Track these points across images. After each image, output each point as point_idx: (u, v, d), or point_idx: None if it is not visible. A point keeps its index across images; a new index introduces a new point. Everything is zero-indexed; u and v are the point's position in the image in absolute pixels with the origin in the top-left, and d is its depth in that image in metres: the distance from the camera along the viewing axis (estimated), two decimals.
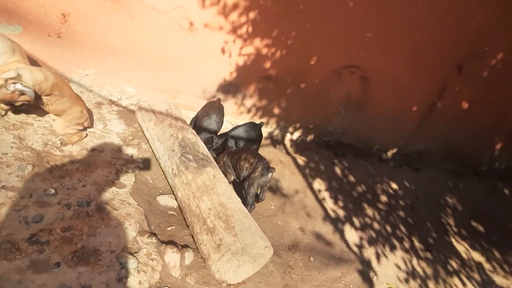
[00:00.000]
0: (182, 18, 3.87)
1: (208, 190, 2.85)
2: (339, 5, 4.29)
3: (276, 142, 5.35)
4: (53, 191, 2.68)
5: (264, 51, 4.42)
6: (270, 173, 3.53)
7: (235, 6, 3.94)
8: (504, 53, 5.44)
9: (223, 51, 4.27)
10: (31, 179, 2.71)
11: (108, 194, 2.92)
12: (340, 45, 4.64)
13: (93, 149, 3.29)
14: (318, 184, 4.73)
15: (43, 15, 3.43)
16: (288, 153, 5.22)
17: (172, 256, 2.65)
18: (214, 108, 3.96)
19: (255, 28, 4.16)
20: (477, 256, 4.97)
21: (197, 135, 3.52)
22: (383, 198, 5.23)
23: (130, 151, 3.52)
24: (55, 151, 3.07)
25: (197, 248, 2.84)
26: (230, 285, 2.74)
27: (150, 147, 3.57)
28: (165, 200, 3.27)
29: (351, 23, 4.49)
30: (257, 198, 3.68)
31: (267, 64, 4.56)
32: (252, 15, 4.05)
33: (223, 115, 4.06)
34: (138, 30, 3.81)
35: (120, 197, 2.98)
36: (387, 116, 5.77)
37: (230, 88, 4.62)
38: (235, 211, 2.74)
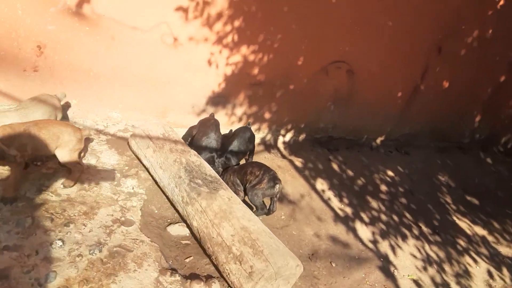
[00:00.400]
0: (166, 34, 3.67)
1: (227, 215, 2.70)
2: (322, 2, 4.21)
3: (269, 146, 5.24)
4: (60, 243, 2.46)
5: (251, 57, 4.28)
6: (277, 185, 3.44)
7: (219, 16, 3.78)
8: (478, 31, 5.55)
9: (209, 63, 4.10)
10: (33, 233, 2.47)
11: (118, 235, 2.72)
12: (326, 41, 4.58)
13: (91, 188, 3.06)
14: (320, 184, 4.66)
15: (16, 50, 3.14)
16: (283, 156, 5.13)
17: None
18: (211, 126, 3.81)
19: (241, 35, 4.01)
20: (479, 230, 5.09)
21: (200, 156, 3.36)
22: (383, 187, 5.25)
23: (129, 182, 3.31)
24: (52, 196, 2.82)
25: (222, 277, 2.70)
26: None
27: (151, 175, 3.38)
28: (176, 230, 3.09)
29: (335, 18, 4.43)
30: (269, 211, 3.58)
31: (255, 70, 4.42)
32: (237, 23, 3.90)
33: (219, 130, 3.91)
34: (120, 51, 3.58)
35: (131, 235, 2.79)
36: (374, 105, 5.80)
37: (219, 99, 4.46)
38: (259, 233, 2.62)
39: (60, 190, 2.89)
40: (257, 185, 3.39)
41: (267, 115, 5.00)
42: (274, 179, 3.44)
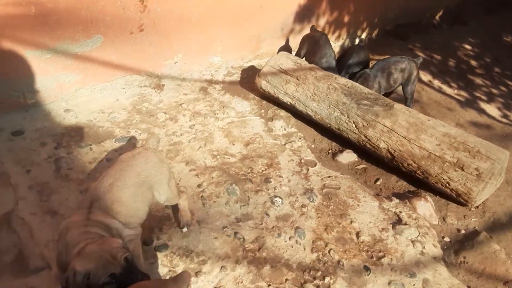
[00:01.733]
0: None
1: (419, 127, 2.55)
2: None
3: None
4: (279, 200, 2.36)
5: None
6: (420, 59, 3.54)
7: None
8: None
9: None
10: (247, 198, 2.35)
11: (314, 177, 2.62)
12: None
13: (253, 140, 2.87)
14: (423, 75, 4.45)
15: (121, 10, 2.69)
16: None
17: (423, 206, 2.48)
18: (323, 43, 3.47)
19: None
20: None
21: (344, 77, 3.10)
22: (473, 62, 5.06)
23: (277, 124, 3.12)
24: (229, 158, 2.65)
25: (428, 187, 2.64)
26: (478, 206, 2.62)
27: (295, 111, 3.15)
28: (346, 157, 2.97)
29: None
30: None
31: None
32: None
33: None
34: None
35: (321, 174, 2.69)
36: None
37: (305, 12, 4.04)
38: (461, 134, 2.50)
39: (227, 149, 2.71)
40: (412, 77, 3.41)
41: (346, 19, 4.60)
42: (416, 60, 3.48)
